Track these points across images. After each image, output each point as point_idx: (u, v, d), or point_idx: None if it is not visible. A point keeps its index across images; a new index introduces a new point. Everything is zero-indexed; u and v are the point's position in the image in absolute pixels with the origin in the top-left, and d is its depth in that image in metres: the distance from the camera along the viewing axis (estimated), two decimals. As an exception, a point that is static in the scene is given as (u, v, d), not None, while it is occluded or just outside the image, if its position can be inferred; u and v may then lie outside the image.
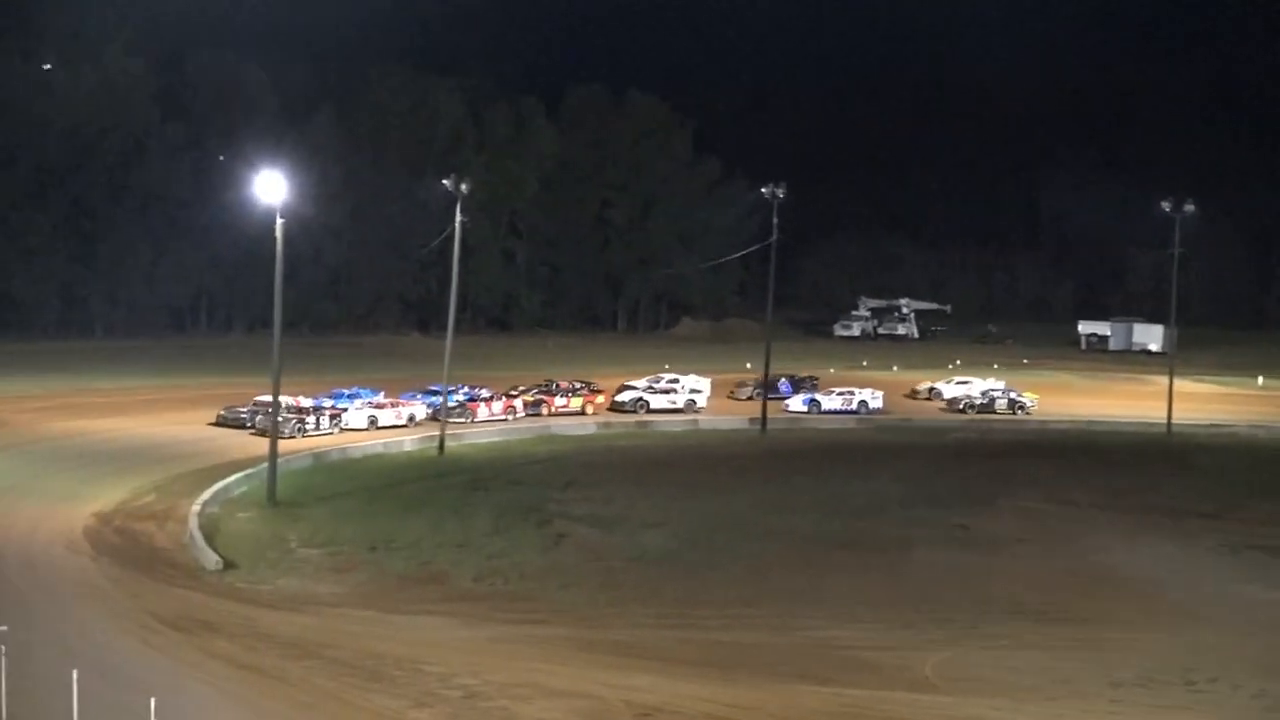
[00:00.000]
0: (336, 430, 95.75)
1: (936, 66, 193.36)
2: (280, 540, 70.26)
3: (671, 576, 65.90)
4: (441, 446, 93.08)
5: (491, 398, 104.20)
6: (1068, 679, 52.15)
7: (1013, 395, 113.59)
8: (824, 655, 54.45)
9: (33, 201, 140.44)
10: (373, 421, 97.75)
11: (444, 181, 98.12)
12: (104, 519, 71.65)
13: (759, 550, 70.69)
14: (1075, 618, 60.62)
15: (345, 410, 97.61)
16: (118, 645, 51.89)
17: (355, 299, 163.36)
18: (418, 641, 54.89)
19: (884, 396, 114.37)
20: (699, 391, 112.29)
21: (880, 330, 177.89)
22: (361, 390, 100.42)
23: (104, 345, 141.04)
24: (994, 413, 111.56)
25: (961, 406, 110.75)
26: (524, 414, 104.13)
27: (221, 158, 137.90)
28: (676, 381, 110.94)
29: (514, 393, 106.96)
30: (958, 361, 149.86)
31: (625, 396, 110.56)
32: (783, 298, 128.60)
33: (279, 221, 76.84)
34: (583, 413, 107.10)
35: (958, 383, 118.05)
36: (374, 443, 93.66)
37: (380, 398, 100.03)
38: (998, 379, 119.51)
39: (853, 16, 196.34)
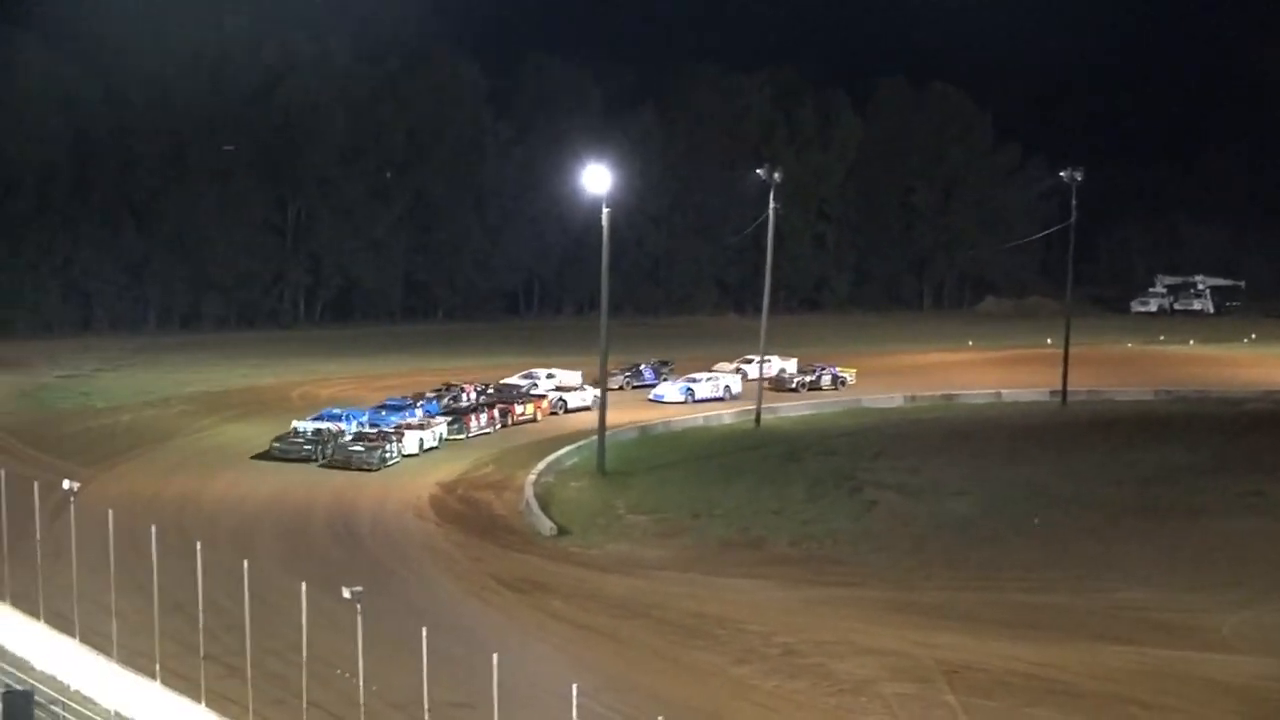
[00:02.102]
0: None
1: (1219, 49, 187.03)
2: (609, 508, 70.96)
3: (976, 542, 65.34)
4: (758, 419, 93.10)
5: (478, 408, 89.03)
6: None
7: (834, 371, 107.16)
8: (1122, 616, 53.62)
9: (378, 197, 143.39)
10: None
11: (757, 171, 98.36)
12: (447, 488, 72.98)
13: (1057, 516, 69.71)
14: None
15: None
16: (462, 605, 52.95)
17: (675, 283, 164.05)
18: (738, 602, 55.11)
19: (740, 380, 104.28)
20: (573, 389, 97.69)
21: (1176, 306, 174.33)
22: (355, 411, 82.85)
23: (443, 328, 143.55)
24: (820, 389, 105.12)
25: (794, 385, 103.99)
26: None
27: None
28: (553, 376, 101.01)
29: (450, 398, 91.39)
30: (1253, 335, 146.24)
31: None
32: (1082, 276, 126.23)
33: (605, 211, 77.61)
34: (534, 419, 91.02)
35: (743, 361, 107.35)
36: (695, 416, 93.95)
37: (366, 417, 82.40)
38: (791, 357, 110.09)
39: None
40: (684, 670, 46.78)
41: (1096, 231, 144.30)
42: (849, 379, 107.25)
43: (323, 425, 77.32)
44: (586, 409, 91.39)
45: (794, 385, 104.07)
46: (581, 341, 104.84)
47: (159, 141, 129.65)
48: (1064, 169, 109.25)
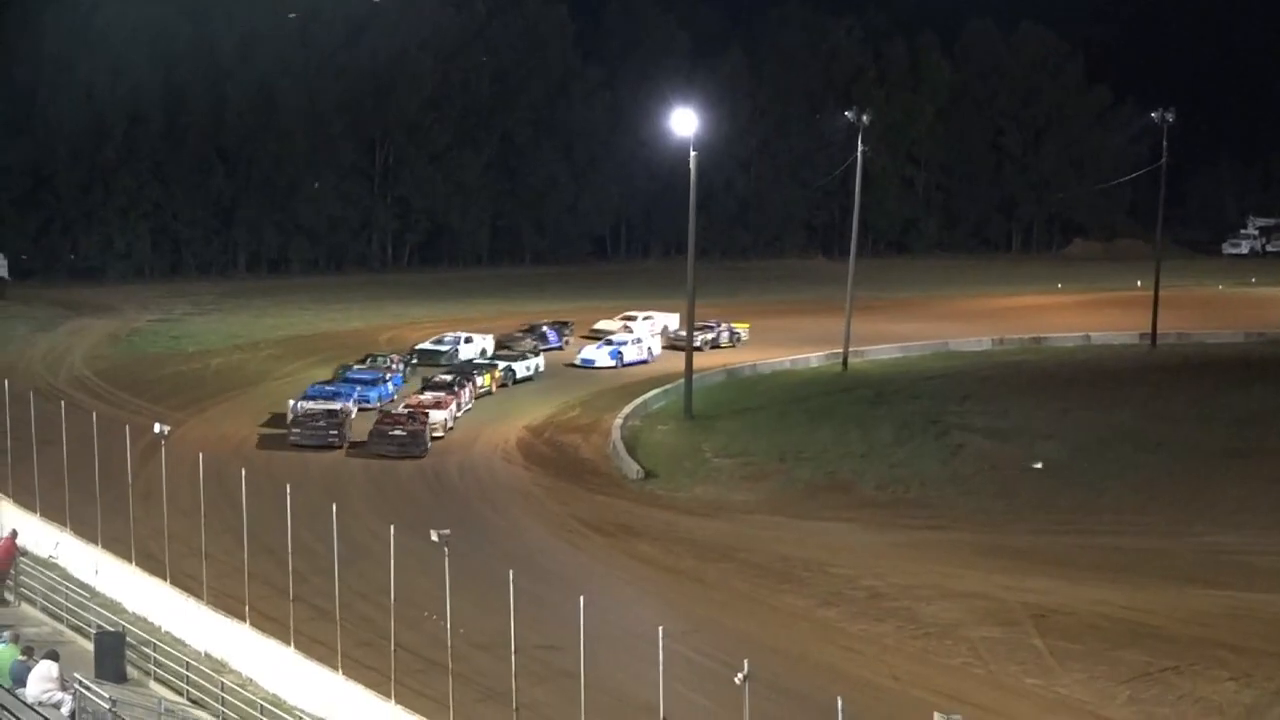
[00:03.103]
0: None
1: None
2: (696, 451, 71.05)
3: (1065, 485, 65.06)
4: (845, 362, 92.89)
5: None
6: None
7: (731, 328, 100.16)
8: (1214, 560, 53.37)
9: (464, 141, 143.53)
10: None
11: (845, 114, 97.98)
12: (535, 431, 73.26)
13: (1147, 460, 69.29)
14: None
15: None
16: (549, 547, 53.17)
17: (763, 226, 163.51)
18: (824, 545, 55.21)
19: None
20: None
21: (1269, 248, 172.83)
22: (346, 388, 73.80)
23: (530, 271, 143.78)
24: (720, 346, 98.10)
25: (699, 344, 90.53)
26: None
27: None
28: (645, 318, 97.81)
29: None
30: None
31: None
32: (1171, 218, 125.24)
33: (692, 155, 77.45)
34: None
35: (625, 317, 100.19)
36: (783, 359, 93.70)
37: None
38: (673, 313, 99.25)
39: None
40: (770, 613, 46.90)
41: (1187, 173, 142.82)
42: (743, 335, 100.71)
43: (334, 405, 67.88)
44: (530, 379, 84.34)
45: (699, 345, 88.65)
46: (669, 284, 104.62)
47: (248, 87, 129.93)
48: (1155, 110, 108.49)
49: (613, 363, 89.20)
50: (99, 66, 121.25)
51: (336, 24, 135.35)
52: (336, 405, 67.77)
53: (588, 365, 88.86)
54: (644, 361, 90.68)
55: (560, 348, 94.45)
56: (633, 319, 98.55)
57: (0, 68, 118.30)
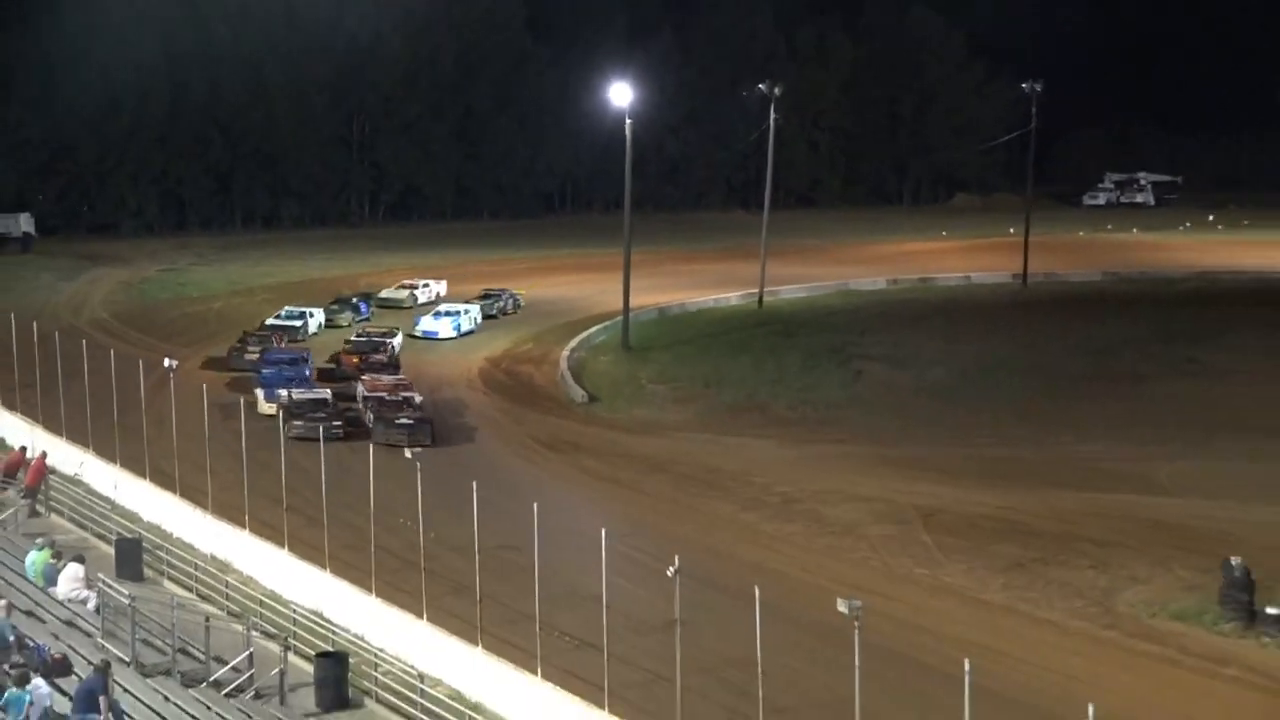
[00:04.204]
0: None
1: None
2: (633, 378, 71.28)
3: (949, 405, 65.65)
4: (760, 300, 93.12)
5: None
6: (1268, 489, 50.35)
7: (514, 294, 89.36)
8: (1076, 467, 53.97)
9: (431, 113, 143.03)
10: None
11: (760, 87, 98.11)
12: (493, 362, 73.38)
13: (1019, 383, 69.92)
14: None
15: None
16: (508, 462, 53.28)
17: (690, 183, 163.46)
18: (744, 459, 55.46)
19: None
20: None
21: (1122, 199, 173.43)
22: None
23: (489, 225, 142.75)
24: (506, 313, 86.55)
25: (495, 312, 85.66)
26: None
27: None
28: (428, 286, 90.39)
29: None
30: (1187, 224, 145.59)
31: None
32: (1040, 175, 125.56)
33: (628, 123, 77.60)
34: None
35: (407, 285, 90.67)
36: (706, 299, 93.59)
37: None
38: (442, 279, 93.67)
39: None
40: (698, 516, 47.20)
41: (1053, 135, 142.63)
42: (522, 301, 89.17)
43: (324, 395, 57.34)
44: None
45: (493, 312, 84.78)
46: (607, 234, 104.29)
47: (242, 66, 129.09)
48: (1026, 82, 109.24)
49: (454, 333, 78.46)
50: (109, 48, 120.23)
51: (319, 8, 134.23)
52: (326, 394, 57.50)
53: (430, 337, 77.70)
54: (471, 332, 79.65)
55: (367, 317, 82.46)
56: (414, 286, 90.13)
57: (23, 50, 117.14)
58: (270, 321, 75.64)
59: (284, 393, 55.66)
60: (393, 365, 65.90)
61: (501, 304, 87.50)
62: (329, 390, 59.01)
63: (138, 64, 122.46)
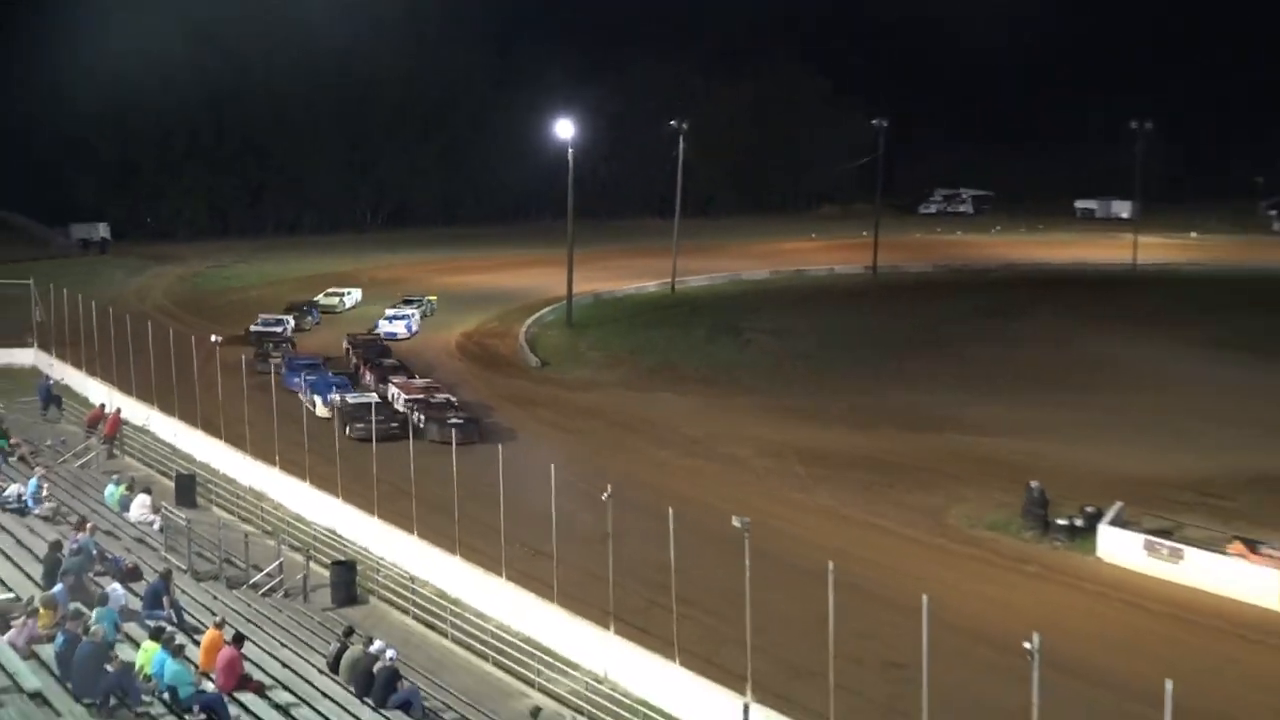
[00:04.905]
0: None
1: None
2: (575, 348, 71.19)
3: (817, 367, 65.90)
4: (673, 288, 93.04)
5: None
6: (1076, 423, 51.87)
7: (430, 301, 79.53)
8: (914, 414, 54.39)
9: (422, 139, 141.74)
10: None
11: (672, 123, 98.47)
12: (467, 336, 73.14)
13: (870, 349, 70.32)
14: (1081, 385, 59.96)
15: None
16: (479, 414, 53.01)
17: (618, 197, 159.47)
18: (661, 409, 55.61)
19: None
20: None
21: (948, 209, 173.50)
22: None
23: (466, 230, 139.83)
24: (427, 316, 76.85)
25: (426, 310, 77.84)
26: None
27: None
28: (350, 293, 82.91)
29: None
30: (998, 228, 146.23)
31: None
32: (887, 189, 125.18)
33: (570, 151, 77.67)
34: None
35: (329, 294, 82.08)
36: (629, 287, 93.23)
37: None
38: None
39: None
40: (626, 454, 47.30)
41: (897, 158, 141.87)
42: (434, 306, 79.55)
43: (373, 398, 49.75)
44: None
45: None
46: (556, 237, 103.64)
47: (270, 103, 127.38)
48: (875, 119, 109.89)
49: (408, 334, 70.96)
50: (167, 92, 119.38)
51: (331, 56, 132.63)
52: (374, 398, 50.05)
53: (391, 338, 68.84)
54: (416, 332, 72.51)
55: (318, 322, 75.38)
56: (341, 293, 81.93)
57: (103, 93, 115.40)
58: (254, 328, 67.67)
59: (337, 397, 49.58)
60: (404, 368, 57.95)
61: (424, 309, 77.25)
62: (375, 394, 51.92)
63: (189, 102, 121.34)
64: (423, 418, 48.33)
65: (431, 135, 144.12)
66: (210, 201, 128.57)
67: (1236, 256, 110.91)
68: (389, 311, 74.12)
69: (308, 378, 53.78)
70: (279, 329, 67.92)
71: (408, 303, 77.42)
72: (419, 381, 55.11)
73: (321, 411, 49.12)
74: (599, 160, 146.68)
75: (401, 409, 49.95)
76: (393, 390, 53.33)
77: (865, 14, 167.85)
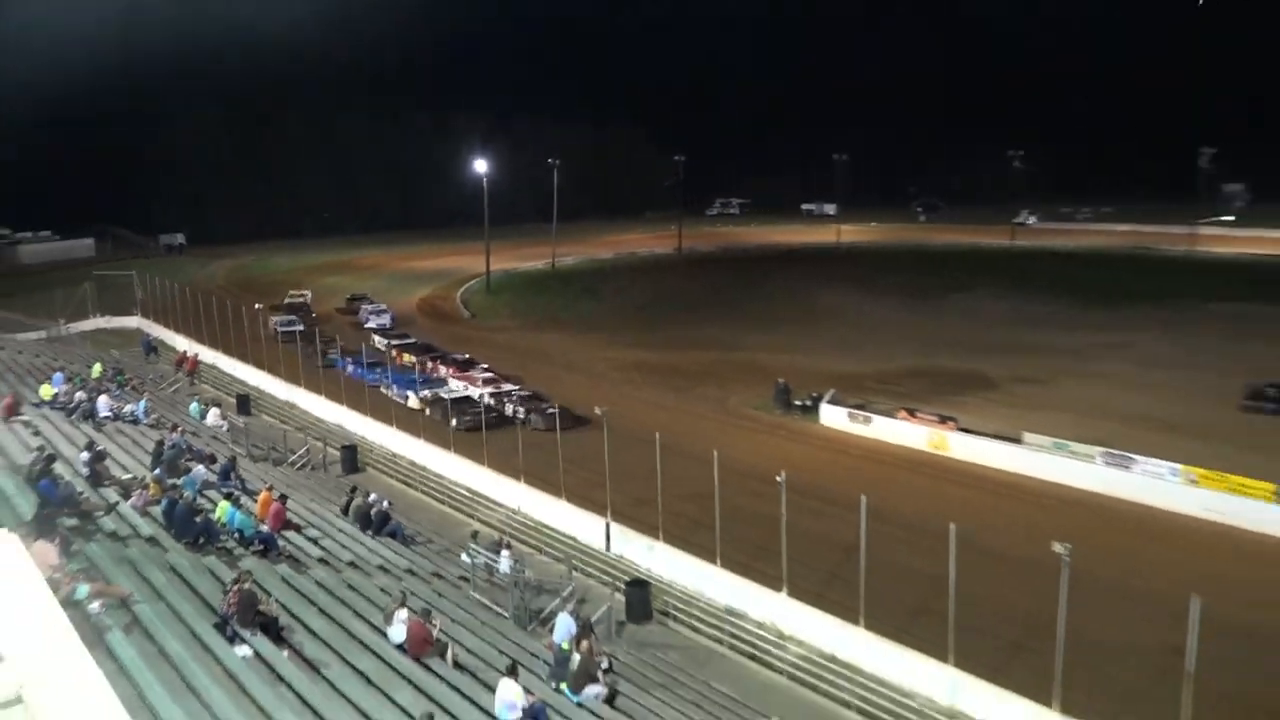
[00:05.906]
0: None
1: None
2: (494, 306, 70.26)
3: (649, 315, 65.54)
4: (553, 265, 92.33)
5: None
6: (806, 344, 51.46)
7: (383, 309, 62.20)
8: (710, 341, 54.46)
9: (386, 166, 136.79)
10: None
11: (549, 160, 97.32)
12: (424, 300, 71.70)
13: (681, 302, 69.86)
14: (809, 320, 60.01)
15: None
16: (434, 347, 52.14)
17: (517, 208, 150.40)
18: (550, 344, 55.35)
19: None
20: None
21: (723, 211, 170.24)
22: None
23: (418, 230, 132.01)
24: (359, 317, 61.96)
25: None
26: None
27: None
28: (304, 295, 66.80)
29: None
30: (754, 223, 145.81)
31: None
32: (687, 199, 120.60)
33: (485, 180, 76.51)
34: None
35: (293, 293, 67.33)
36: (522, 265, 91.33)
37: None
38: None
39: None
40: (529, 371, 46.67)
41: (698, 175, 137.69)
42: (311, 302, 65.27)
43: (465, 394, 38.88)
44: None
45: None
46: (477, 234, 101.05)
47: (280, 146, 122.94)
48: (677, 155, 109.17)
49: (391, 323, 58.42)
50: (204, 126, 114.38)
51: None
52: (470, 392, 39.11)
53: (383, 328, 57.00)
54: (395, 321, 59.63)
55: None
56: (301, 293, 66.92)
57: (172, 136, 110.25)
58: (287, 300, 60.53)
59: (428, 393, 39.19)
60: (474, 362, 44.80)
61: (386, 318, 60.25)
62: (468, 387, 40.09)
63: (222, 150, 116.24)
64: (523, 410, 36.81)
65: (390, 163, 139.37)
66: (255, 212, 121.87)
67: (897, 237, 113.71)
68: (367, 308, 60.85)
69: (398, 375, 41.55)
70: (301, 299, 65.72)
71: (368, 302, 63.56)
72: (478, 374, 42.25)
73: (414, 403, 38.97)
74: (504, 182, 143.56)
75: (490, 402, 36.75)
76: (463, 386, 40.80)
77: (660, 78, 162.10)
